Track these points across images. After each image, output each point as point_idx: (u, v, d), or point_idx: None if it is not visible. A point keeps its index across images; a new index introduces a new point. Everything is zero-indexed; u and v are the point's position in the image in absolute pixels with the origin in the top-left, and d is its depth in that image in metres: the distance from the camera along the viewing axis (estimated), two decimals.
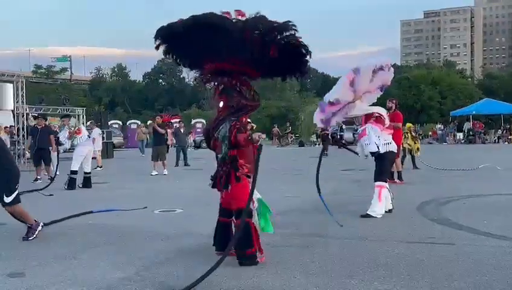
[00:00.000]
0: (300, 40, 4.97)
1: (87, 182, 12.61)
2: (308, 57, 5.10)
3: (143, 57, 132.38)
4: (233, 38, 4.94)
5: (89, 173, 12.76)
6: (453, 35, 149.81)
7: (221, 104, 5.28)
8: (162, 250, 5.77)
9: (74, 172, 12.42)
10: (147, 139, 29.86)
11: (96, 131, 18.21)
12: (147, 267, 5.07)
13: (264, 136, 5.14)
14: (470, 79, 79.61)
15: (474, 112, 41.74)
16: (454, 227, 6.76)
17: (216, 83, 5.35)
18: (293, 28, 4.93)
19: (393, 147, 7.89)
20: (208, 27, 4.94)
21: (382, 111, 8.01)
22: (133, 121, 49.38)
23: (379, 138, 7.69)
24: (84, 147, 12.83)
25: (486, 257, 5.17)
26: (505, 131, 40.32)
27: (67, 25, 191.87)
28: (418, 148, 15.98)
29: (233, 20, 4.92)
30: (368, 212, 7.50)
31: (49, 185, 11.75)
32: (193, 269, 4.91)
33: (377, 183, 7.71)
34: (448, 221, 7.18)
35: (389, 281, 4.47)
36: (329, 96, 7.40)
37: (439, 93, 60.72)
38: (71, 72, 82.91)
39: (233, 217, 5.21)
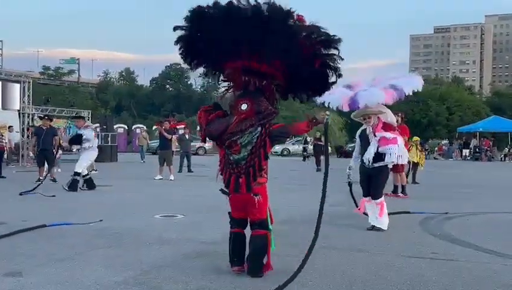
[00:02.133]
0: (339, 64, 4.82)
1: (91, 184, 12.73)
2: (335, 82, 4.98)
3: (151, 62, 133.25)
4: (285, 39, 4.66)
5: (88, 175, 12.89)
6: (462, 52, 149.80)
7: (244, 106, 4.90)
8: (162, 255, 5.74)
9: (78, 174, 12.42)
10: (148, 144, 30.40)
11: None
12: (145, 271, 5.05)
13: (328, 112, 4.92)
14: (478, 96, 79.49)
15: (481, 129, 41.60)
16: (457, 243, 6.70)
17: (246, 82, 4.92)
18: (339, 46, 4.76)
19: (404, 160, 7.98)
20: (262, 21, 4.59)
21: (393, 118, 7.86)
22: (138, 125, 49.42)
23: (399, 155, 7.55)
24: (95, 151, 13.21)
25: (489, 275, 5.12)
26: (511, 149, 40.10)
27: (77, 27, 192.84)
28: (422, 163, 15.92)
29: (291, 21, 4.64)
30: (375, 225, 7.40)
31: (37, 186, 11.79)
32: (191, 275, 4.90)
33: (379, 200, 7.46)
34: (451, 237, 7.12)
35: None
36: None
37: (446, 109, 60.61)
38: (79, 75, 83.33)
39: (255, 228, 4.99)
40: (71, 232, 7.03)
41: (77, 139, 13.07)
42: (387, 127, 7.47)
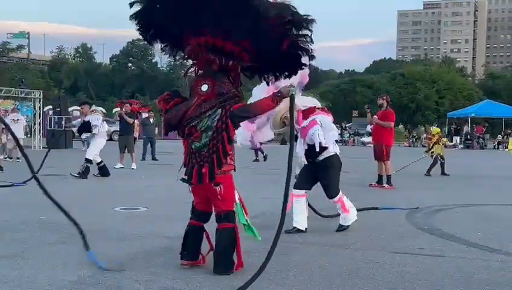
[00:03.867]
0: (312, 46, 4.84)
1: (105, 171, 13.60)
2: (306, 64, 5.03)
3: (111, 37, 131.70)
4: (256, 19, 4.66)
5: (102, 161, 13.67)
6: (454, 30, 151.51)
7: (204, 87, 4.92)
8: (122, 251, 5.73)
9: (90, 161, 13.32)
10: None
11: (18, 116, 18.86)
12: (103, 269, 5.02)
13: (294, 84, 4.91)
14: (470, 78, 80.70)
15: (473, 115, 42.20)
16: (445, 237, 6.83)
17: (209, 60, 4.92)
18: (312, 27, 4.78)
19: (337, 149, 6.98)
20: None
21: (318, 103, 7.07)
22: (96, 108, 48.80)
23: (332, 135, 6.79)
24: (104, 138, 13.87)
25: (478, 271, 5.23)
26: (505, 136, 40.79)
27: None
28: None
29: None
30: (340, 223, 7.05)
31: None
32: (155, 274, 4.90)
33: (336, 198, 6.95)
34: (438, 231, 7.26)
35: None
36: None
37: (436, 92, 61.42)
38: (29, 51, 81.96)
39: (220, 221, 5.01)
40: (19, 226, 6.97)
41: (86, 127, 13.71)
42: (305, 114, 6.71)
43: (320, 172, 6.84)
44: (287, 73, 5.11)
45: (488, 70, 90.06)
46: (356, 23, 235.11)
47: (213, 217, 5.14)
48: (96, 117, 13.79)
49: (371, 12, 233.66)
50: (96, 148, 13.58)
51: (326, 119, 6.70)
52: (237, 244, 5.03)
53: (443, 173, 16.05)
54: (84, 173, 13.13)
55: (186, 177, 4.99)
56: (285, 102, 5.17)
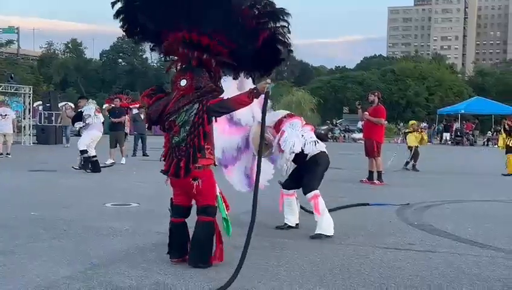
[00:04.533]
0: (289, 38, 4.90)
1: (97, 166, 13.47)
2: (284, 58, 5.07)
3: (101, 32, 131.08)
4: (228, 10, 4.76)
5: (95, 156, 13.59)
6: (444, 27, 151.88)
7: (183, 82, 5.01)
8: (113, 247, 5.73)
9: (85, 151, 13.37)
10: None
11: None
12: (95, 265, 5.03)
13: (269, 80, 4.96)
14: (460, 75, 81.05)
15: (463, 111, 42.38)
16: (435, 233, 6.87)
17: (186, 55, 4.99)
18: (288, 19, 4.86)
19: (322, 147, 6.71)
20: None
21: (284, 112, 6.84)
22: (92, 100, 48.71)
23: (303, 136, 6.48)
24: (98, 131, 13.78)
25: (469, 267, 5.27)
26: (495, 133, 41.00)
27: None
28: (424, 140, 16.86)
29: None
30: (316, 232, 6.45)
31: None
32: (147, 269, 4.91)
33: (310, 195, 6.46)
34: (429, 227, 7.30)
35: (361, 289, 4.52)
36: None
37: (426, 88, 61.66)
38: (18, 46, 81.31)
39: (199, 214, 5.05)
40: (10, 222, 6.94)
41: (78, 117, 13.79)
42: (276, 128, 6.51)
43: (304, 170, 6.63)
44: (265, 69, 5.19)
45: (478, 67, 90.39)
46: (347, 20, 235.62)
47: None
48: (88, 107, 13.80)
49: (362, 9, 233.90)
50: (87, 139, 13.55)
51: (296, 123, 6.55)
52: (217, 238, 5.07)
53: (406, 167, 16.08)
54: (84, 166, 13.35)
55: (164, 169, 5.06)
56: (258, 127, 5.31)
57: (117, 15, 5.10)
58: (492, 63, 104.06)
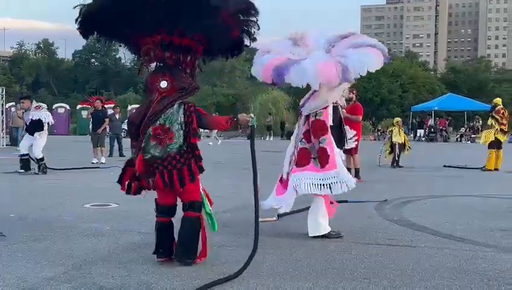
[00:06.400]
0: (255, 29, 5.22)
1: (27, 166, 13.29)
2: (248, 45, 5.35)
3: (73, 32, 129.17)
4: (209, 13, 4.88)
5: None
6: (416, 25, 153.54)
7: (163, 84, 4.95)
8: (95, 248, 5.70)
9: (42, 159, 13.20)
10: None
11: None
12: (77, 266, 5.00)
13: (253, 115, 5.12)
14: (432, 72, 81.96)
15: (436, 108, 42.92)
16: (414, 228, 6.97)
17: (167, 57, 5.00)
18: (257, 14, 5.15)
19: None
20: None
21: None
22: (60, 104, 48.31)
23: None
24: (46, 133, 13.46)
25: (448, 261, 5.36)
26: (468, 129, 41.64)
27: None
28: (408, 146, 16.86)
29: None
30: (318, 234, 6.31)
31: None
32: (129, 269, 4.89)
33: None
34: (408, 222, 7.40)
35: (345, 284, 4.57)
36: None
37: (400, 86, 62.22)
38: None
39: (185, 210, 5.05)
40: None
41: (39, 126, 13.12)
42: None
43: None
44: (234, 55, 5.51)
45: (450, 64, 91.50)
46: (320, 19, 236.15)
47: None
48: (46, 113, 13.39)
49: (334, 8, 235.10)
50: (42, 145, 13.23)
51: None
52: (202, 234, 5.08)
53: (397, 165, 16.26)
54: (42, 169, 13.15)
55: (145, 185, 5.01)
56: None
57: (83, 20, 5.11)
58: (464, 60, 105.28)
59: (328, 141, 6.18)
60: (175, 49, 4.98)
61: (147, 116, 4.93)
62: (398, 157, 16.28)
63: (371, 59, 6.00)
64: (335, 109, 6.55)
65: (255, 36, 5.26)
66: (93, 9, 5.02)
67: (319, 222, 6.29)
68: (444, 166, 15.97)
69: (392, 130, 16.71)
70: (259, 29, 5.23)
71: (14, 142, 24.52)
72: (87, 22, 5.11)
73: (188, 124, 4.89)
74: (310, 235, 6.29)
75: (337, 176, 6.14)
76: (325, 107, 6.24)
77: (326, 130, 6.16)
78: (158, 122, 4.90)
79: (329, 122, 6.27)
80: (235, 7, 5.02)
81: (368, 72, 5.85)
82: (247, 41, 5.28)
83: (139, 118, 5.00)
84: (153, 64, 5.16)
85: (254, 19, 5.17)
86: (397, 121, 17.09)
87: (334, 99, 6.48)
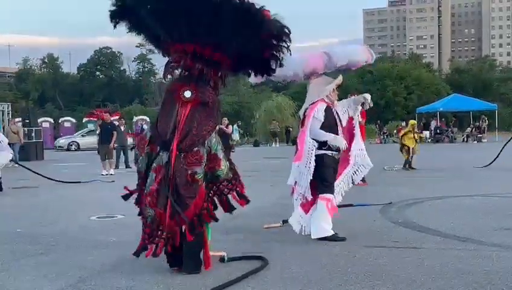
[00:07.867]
0: (283, 57, 5.16)
1: None
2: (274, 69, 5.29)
3: (78, 46, 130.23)
4: (251, 35, 4.92)
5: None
6: (419, 26, 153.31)
7: (187, 94, 4.91)
8: (101, 260, 5.74)
9: None
10: (21, 141, 22.86)
11: None
12: (83, 279, 5.04)
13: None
14: (437, 73, 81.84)
15: (441, 109, 42.75)
16: (418, 230, 6.98)
17: (196, 68, 4.98)
18: (290, 41, 5.08)
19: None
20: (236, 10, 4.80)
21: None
22: (66, 118, 48.57)
23: None
24: (6, 152, 12.99)
25: (452, 261, 5.37)
26: (474, 129, 41.43)
27: None
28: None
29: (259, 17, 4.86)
30: (320, 236, 6.40)
31: None
32: (136, 280, 4.93)
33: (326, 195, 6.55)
34: (412, 224, 7.41)
35: (349, 288, 4.60)
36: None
37: (404, 88, 62.18)
38: None
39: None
40: None
41: None
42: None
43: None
44: (261, 74, 5.47)
45: (454, 64, 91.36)
46: (324, 23, 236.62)
47: None
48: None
49: (337, 13, 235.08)
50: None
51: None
52: (205, 245, 5.11)
53: (410, 167, 16.31)
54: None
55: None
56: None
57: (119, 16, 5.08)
58: (468, 60, 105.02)
59: (301, 133, 6.62)
60: (205, 62, 4.96)
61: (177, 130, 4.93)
62: (411, 159, 16.33)
63: (354, 49, 6.95)
64: (328, 109, 6.58)
65: (282, 62, 5.17)
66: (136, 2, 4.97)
67: (322, 226, 6.36)
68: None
69: (406, 133, 16.76)
70: (288, 51, 5.13)
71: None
72: (125, 10, 5.04)
73: (227, 147, 5.04)
74: (312, 237, 6.38)
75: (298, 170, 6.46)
76: (313, 103, 6.53)
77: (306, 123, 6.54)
78: (196, 148, 4.95)
79: (320, 117, 6.45)
80: (273, 30, 4.98)
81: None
82: (273, 65, 5.20)
83: (166, 132, 4.97)
84: (177, 71, 5.15)
85: (286, 45, 5.09)
86: (412, 125, 17.14)
87: (322, 93, 6.57)
